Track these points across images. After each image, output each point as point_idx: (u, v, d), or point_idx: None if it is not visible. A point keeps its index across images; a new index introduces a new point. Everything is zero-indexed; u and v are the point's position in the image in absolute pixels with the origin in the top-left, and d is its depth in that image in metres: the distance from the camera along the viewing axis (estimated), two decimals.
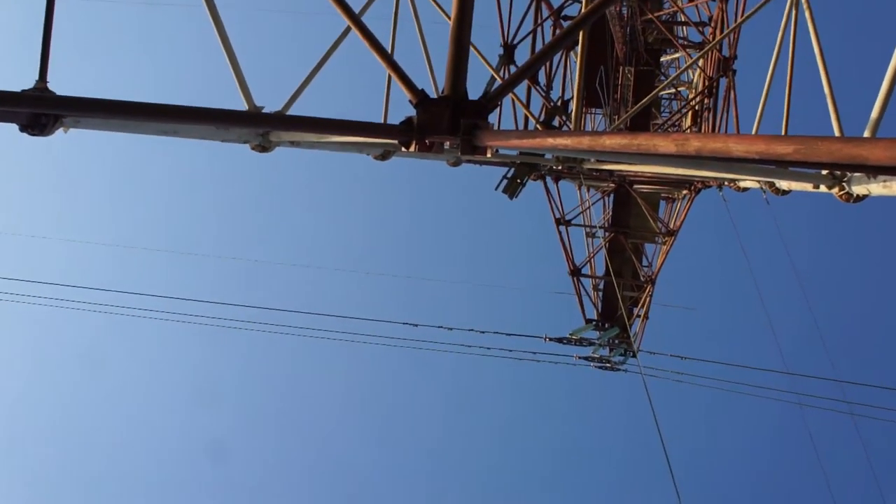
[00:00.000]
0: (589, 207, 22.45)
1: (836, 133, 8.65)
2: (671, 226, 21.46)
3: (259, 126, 8.20)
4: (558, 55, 18.56)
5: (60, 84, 7.14)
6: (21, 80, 7.13)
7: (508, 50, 17.96)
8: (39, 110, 7.03)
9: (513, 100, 17.06)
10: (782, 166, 8.78)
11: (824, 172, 8.68)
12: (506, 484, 52.50)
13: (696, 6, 21.02)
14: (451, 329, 19.40)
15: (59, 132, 7.73)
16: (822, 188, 8.83)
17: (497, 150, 9.98)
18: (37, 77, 7.12)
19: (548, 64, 18.42)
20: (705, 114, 20.05)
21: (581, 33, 12.30)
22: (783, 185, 10.15)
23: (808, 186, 9.23)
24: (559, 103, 18.69)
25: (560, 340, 20.82)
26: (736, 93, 17.97)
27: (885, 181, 7.63)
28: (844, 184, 8.51)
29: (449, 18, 6.63)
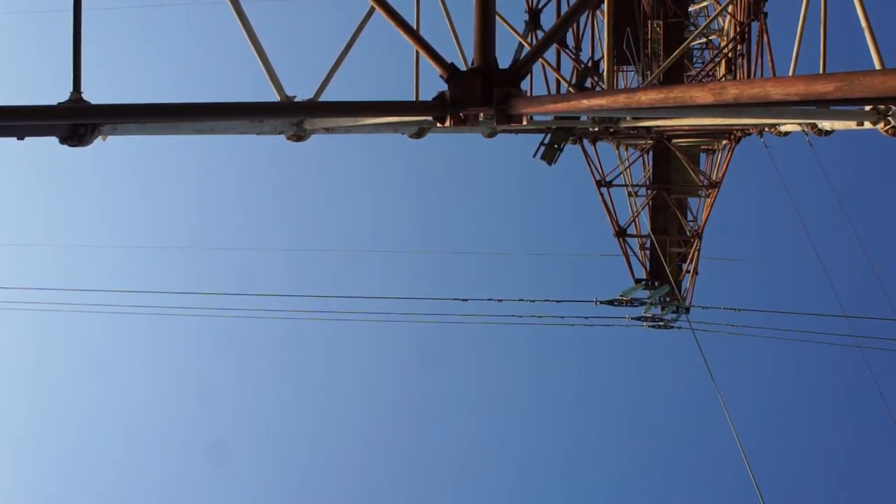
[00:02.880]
0: (629, 167, 22.24)
1: (877, 66, 8.46)
2: (713, 178, 21.18)
3: (293, 115, 8.24)
4: (584, 15, 18.35)
5: (94, 94, 7.22)
6: (56, 94, 7.22)
7: (534, 15, 17.81)
8: (77, 121, 7.11)
9: (543, 65, 16.94)
10: (823, 106, 8.63)
11: (867, 108, 8.52)
12: (571, 455, 52.65)
13: None
14: (500, 301, 19.42)
15: (98, 141, 7.83)
16: (867, 124, 8.68)
17: (532, 117, 9.93)
18: (71, 89, 7.19)
19: (575, 26, 18.23)
20: (739, 60, 19.69)
21: None
22: (825, 125, 9.97)
23: (852, 124, 9.07)
24: (590, 64, 18.50)
25: (611, 303, 20.71)
26: (769, 36, 17.64)
27: None
28: (889, 118, 8.36)
29: None
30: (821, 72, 9.86)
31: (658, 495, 50.35)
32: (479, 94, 6.24)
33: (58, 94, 7.17)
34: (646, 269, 21.45)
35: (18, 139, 6.92)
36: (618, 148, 22.14)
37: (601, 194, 20.57)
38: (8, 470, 57.43)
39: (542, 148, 16.56)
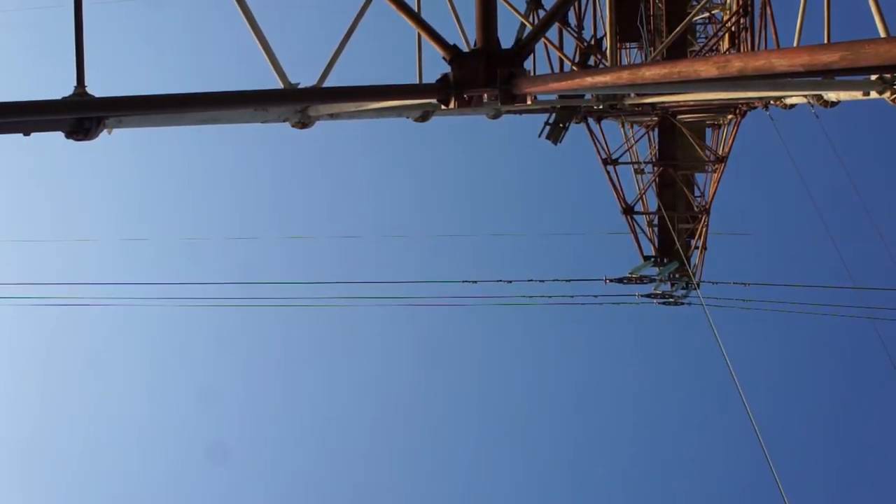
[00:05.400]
0: (634, 144, 22.19)
1: (882, 34, 8.41)
2: (719, 152, 21.13)
3: (297, 102, 8.24)
4: None
5: (97, 87, 7.23)
6: (60, 89, 7.23)
7: None
8: (82, 114, 7.13)
9: (545, 44, 16.88)
10: (828, 76, 8.59)
11: (873, 78, 8.48)
12: (583, 436, 52.79)
13: None
14: (510, 282, 19.46)
15: (104, 134, 7.85)
16: (873, 94, 8.65)
17: (536, 97, 9.92)
18: (75, 83, 7.21)
19: (576, 3, 18.15)
20: (743, 34, 19.59)
21: None
22: (831, 96, 9.94)
23: (858, 94, 9.03)
24: (592, 42, 18.43)
25: (620, 281, 20.77)
26: (772, 8, 17.53)
27: None
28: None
29: None
30: (825, 42, 9.82)
31: (670, 475, 50.51)
32: (482, 74, 6.24)
33: (62, 89, 7.20)
34: (654, 245, 21.45)
35: (25, 135, 6.95)
36: (623, 126, 22.09)
37: (607, 172, 20.53)
38: (8, 469, 57.72)
39: (548, 128, 16.55)
